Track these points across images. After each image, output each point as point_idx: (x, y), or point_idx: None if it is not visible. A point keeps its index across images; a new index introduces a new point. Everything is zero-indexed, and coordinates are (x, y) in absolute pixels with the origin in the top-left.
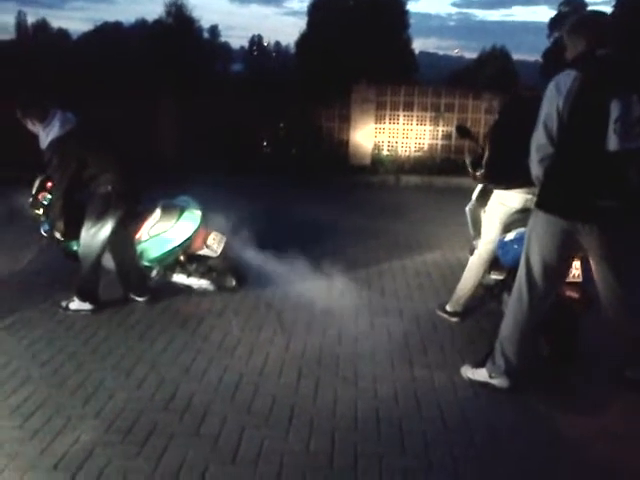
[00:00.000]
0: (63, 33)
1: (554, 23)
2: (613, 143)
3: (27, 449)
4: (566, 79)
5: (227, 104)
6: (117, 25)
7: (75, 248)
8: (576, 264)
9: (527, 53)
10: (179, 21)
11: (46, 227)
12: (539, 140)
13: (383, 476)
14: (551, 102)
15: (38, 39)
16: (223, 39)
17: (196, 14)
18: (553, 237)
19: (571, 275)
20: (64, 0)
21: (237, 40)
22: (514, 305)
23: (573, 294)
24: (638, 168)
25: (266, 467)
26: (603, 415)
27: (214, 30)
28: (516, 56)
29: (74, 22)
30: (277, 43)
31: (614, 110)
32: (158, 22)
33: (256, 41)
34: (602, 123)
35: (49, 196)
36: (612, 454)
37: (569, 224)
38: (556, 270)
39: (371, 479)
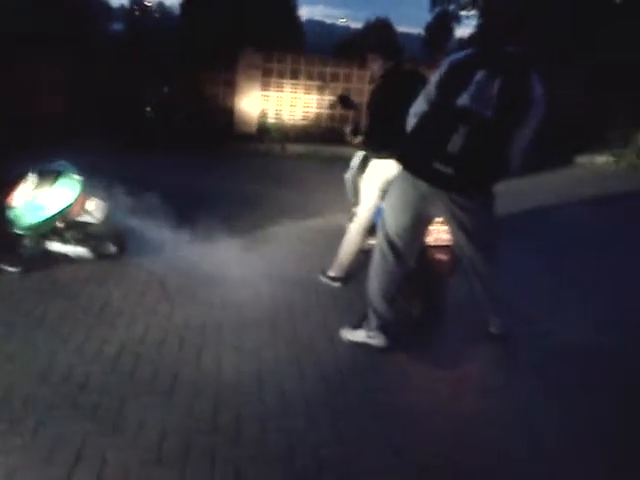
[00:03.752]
0: None
1: None
2: (461, 99)
3: None
4: (460, 54)
5: (109, 66)
6: None
7: None
8: (444, 227)
9: (410, 26)
10: None
11: None
12: (418, 101)
13: (266, 436)
14: (437, 73)
15: None
16: None
17: None
18: (407, 200)
19: (440, 239)
20: None
21: None
22: (377, 265)
23: (442, 256)
24: (468, 133)
25: (148, 436)
26: (467, 369)
27: None
28: (400, 28)
29: None
30: (160, 3)
31: (477, 76)
32: None
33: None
34: (463, 86)
35: None
36: (478, 406)
37: (419, 186)
38: (412, 232)
39: (255, 439)
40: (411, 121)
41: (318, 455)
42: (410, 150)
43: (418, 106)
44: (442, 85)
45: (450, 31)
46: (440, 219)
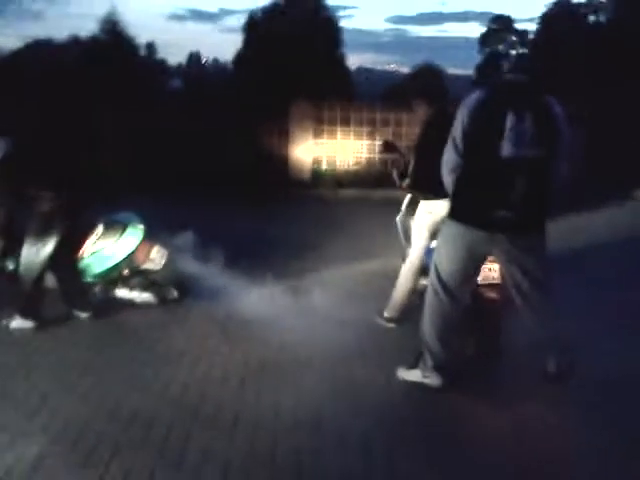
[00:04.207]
0: None
1: (484, 39)
2: (506, 149)
3: None
4: (472, 97)
5: (166, 121)
6: (49, 42)
7: (10, 267)
8: (494, 267)
9: (460, 67)
10: (114, 38)
11: None
12: (448, 152)
13: (325, 471)
14: (459, 118)
15: None
16: (160, 56)
17: (132, 32)
18: (462, 246)
19: (490, 277)
20: None
21: (174, 57)
22: (431, 306)
23: (492, 295)
24: (528, 178)
25: (212, 469)
26: (529, 407)
27: (151, 47)
28: (450, 70)
29: (2, 38)
30: (215, 60)
31: (509, 121)
32: (93, 39)
33: (194, 58)
34: (497, 134)
35: None
36: (538, 444)
37: (475, 233)
38: (465, 275)
39: (314, 475)
40: (447, 176)
41: None
42: (463, 203)
43: (450, 161)
44: (470, 136)
45: (500, 70)
46: (490, 258)
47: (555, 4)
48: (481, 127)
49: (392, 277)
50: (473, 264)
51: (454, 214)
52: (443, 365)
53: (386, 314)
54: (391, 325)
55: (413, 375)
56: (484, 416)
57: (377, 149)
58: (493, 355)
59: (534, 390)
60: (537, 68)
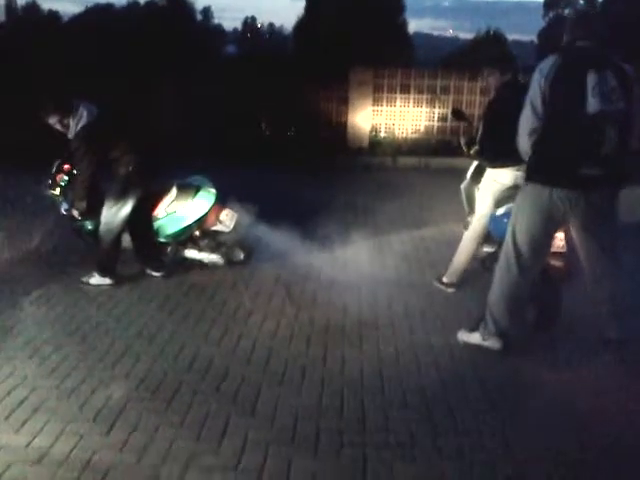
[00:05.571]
0: (53, 15)
1: (550, 3)
2: (593, 106)
3: (67, 405)
4: (547, 62)
5: (224, 86)
6: (108, 7)
7: (90, 227)
8: (560, 235)
9: (522, 33)
10: (172, 2)
11: (65, 206)
12: (526, 116)
13: (389, 424)
14: (535, 83)
15: (28, 21)
16: (216, 21)
17: None
18: (541, 209)
19: (555, 245)
20: None
21: (230, 22)
22: (501, 274)
23: (557, 263)
24: (616, 131)
25: (282, 419)
26: (584, 372)
27: (207, 12)
28: (511, 36)
29: (63, 4)
30: (270, 25)
31: (590, 80)
32: (151, 4)
33: (249, 23)
34: (580, 92)
35: (66, 177)
36: (590, 406)
37: (556, 194)
38: (541, 242)
39: (377, 428)
40: (524, 138)
41: (436, 444)
42: (546, 163)
43: (528, 124)
44: (552, 97)
45: (569, 35)
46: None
47: None
48: (563, 88)
49: (450, 243)
50: (549, 230)
51: (535, 176)
52: (505, 332)
53: (445, 279)
54: (451, 290)
55: (474, 338)
56: (542, 379)
57: (440, 116)
58: (554, 321)
59: (593, 356)
60: (606, 34)
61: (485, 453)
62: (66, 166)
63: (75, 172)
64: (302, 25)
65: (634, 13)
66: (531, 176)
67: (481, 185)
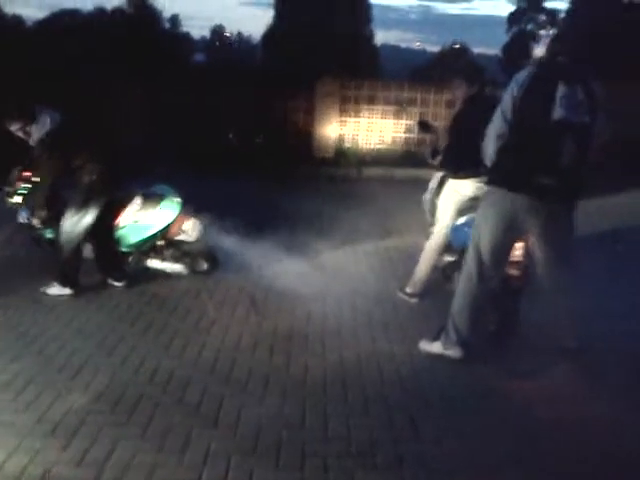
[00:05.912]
0: (17, 19)
1: (513, 18)
2: (558, 113)
3: (23, 418)
4: (523, 72)
5: (191, 94)
6: (74, 12)
7: (49, 236)
8: (518, 245)
9: (487, 47)
10: (140, 10)
11: (25, 215)
12: (496, 121)
13: (350, 434)
14: (509, 90)
15: None
16: (184, 29)
17: (158, 3)
18: (504, 217)
19: (513, 255)
20: None
21: (198, 30)
22: (463, 283)
23: (515, 272)
24: (576, 144)
25: (245, 429)
26: (543, 381)
27: (175, 20)
28: (477, 50)
29: (29, 8)
30: (239, 33)
31: (560, 91)
32: (119, 10)
33: (218, 31)
34: (549, 101)
35: (26, 185)
36: (549, 414)
37: (518, 202)
38: (503, 250)
39: (339, 437)
40: (490, 143)
41: (397, 452)
42: (507, 168)
43: (497, 128)
44: (522, 104)
45: (528, 50)
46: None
47: None
48: (533, 96)
49: (413, 254)
50: (511, 238)
51: (497, 180)
52: (466, 341)
53: (408, 289)
54: (414, 300)
55: (435, 347)
56: (502, 387)
57: (406, 128)
58: (512, 329)
59: (552, 364)
60: (576, 51)
61: (446, 461)
62: (26, 173)
63: (35, 180)
64: (270, 35)
65: (599, 30)
66: (492, 179)
67: (442, 196)
